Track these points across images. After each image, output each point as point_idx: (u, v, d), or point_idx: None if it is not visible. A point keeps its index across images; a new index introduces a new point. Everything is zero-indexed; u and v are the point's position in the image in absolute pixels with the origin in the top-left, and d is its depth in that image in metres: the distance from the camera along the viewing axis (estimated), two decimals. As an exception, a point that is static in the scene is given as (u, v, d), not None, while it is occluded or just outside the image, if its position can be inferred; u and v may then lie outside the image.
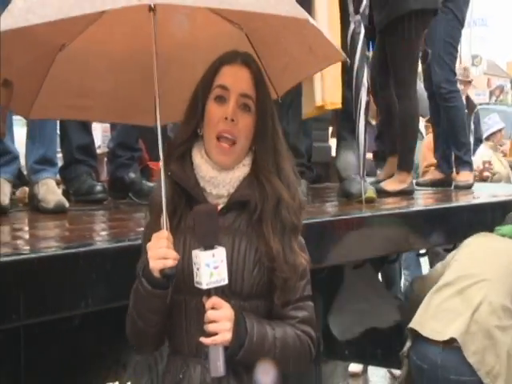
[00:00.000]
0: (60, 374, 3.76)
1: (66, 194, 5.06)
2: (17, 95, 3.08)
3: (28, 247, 3.64)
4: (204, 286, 2.57)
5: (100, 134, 7.94)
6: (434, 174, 7.94)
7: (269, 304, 2.73)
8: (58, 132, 5.32)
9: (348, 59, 4.04)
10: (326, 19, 5.44)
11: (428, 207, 6.02)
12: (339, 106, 5.55)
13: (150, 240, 2.64)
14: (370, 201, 5.70)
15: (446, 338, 4.89)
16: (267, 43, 3.12)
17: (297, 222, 2.78)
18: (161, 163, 2.66)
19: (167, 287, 2.61)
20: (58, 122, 5.14)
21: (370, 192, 5.74)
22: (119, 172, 5.55)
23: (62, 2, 2.58)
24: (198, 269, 2.60)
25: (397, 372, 8.17)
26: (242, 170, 2.76)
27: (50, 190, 4.73)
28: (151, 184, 5.41)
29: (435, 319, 5.01)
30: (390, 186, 6.45)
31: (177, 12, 2.93)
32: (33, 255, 3.13)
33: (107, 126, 6.96)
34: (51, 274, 3.10)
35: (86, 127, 5.39)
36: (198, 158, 2.75)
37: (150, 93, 3.09)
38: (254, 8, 2.62)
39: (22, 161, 5.26)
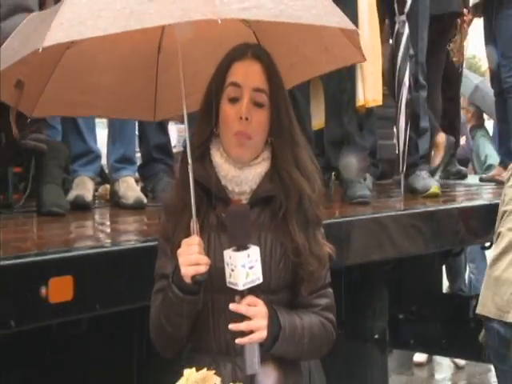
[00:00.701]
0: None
1: (144, 190, 5.10)
2: (25, 93, 3.06)
3: (109, 240, 3.72)
4: (240, 287, 2.51)
5: (176, 134, 7.99)
6: (498, 170, 7.87)
7: (292, 294, 2.70)
8: (137, 133, 5.38)
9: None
10: (367, 20, 5.39)
11: (491, 202, 5.96)
12: (380, 102, 5.51)
13: (171, 243, 2.64)
14: (434, 196, 5.69)
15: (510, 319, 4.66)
16: (276, 42, 3.00)
17: (319, 214, 2.75)
18: (189, 167, 2.58)
19: (198, 293, 2.56)
20: (137, 124, 5.19)
21: (435, 187, 5.72)
22: None
23: (116, 13, 2.55)
24: (232, 270, 2.53)
25: (461, 362, 8.17)
26: (263, 166, 2.70)
27: (130, 187, 4.81)
28: None
29: (497, 295, 4.69)
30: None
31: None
32: (114, 248, 3.22)
33: (182, 126, 7.02)
34: (130, 265, 3.19)
35: (162, 128, 5.43)
36: (218, 157, 2.69)
37: (151, 89, 3.19)
38: (308, 20, 2.60)
39: (104, 160, 5.35)
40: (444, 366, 8.76)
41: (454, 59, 7.31)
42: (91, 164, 5.01)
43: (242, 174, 2.65)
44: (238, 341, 2.52)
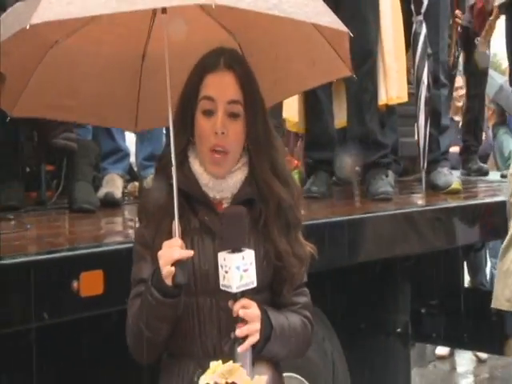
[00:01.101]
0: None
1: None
2: (6, 89, 2.96)
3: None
4: (234, 290, 2.47)
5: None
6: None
7: (272, 294, 2.68)
8: (164, 131, 5.43)
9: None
10: (390, 21, 5.41)
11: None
12: (405, 99, 5.53)
13: (150, 249, 2.59)
14: (455, 192, 5.68)
15: None
16: (261, 56, 2.96)
17: (299, 217, 2.74)
18: (172, 169, 2.53)
19: (179, 295, 2.50)
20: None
21: (456, 184, 5.72)
22: None
23: None
24: (226, 272, 2.48)
25: (483, 355, 8.15)
26: (242, 171, 2.66)
27: (158, 185, 4.82)
28: None
29: (507, 287, 4.66)
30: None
31: (179, 14, 2.76)
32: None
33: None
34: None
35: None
36: (197, 166, 2.64)
37: (133, 97, 3.09)
38: (299, 17, 2.56)
39: (133, 158, 5.39)
40: (466, 359, 8.75)
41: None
42: (120, 162, 5.06)
43: (223, 183, 2.64)
44: (241, 348, 2.46)
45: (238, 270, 2.46)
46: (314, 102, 5.17)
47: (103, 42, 2.93)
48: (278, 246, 2.61)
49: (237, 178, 2.64)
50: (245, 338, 2.47)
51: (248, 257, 2.49)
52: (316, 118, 5.22)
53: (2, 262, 3.05)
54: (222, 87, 2.60)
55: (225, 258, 2.48)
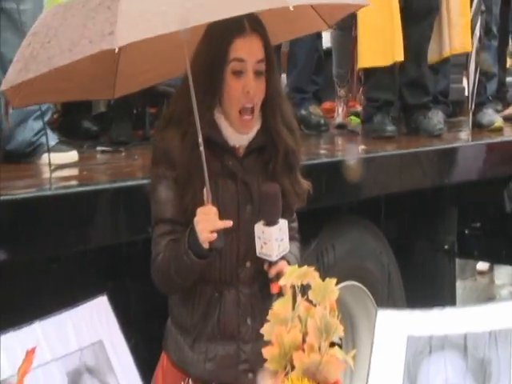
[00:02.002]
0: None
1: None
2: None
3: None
4: (274, 258, 2.43)
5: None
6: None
7: None
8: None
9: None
10: None
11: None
12: (469, 49, 5.31)
13: (171, 189, 2.51)
14: (498, 130, 5.58)
15: None
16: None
17: (299, 158, 2.70)
18: (199, 138, 2.38)
19: (213, 256, 2.44)
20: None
21: (499, 122, 5.64)
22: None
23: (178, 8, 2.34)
24: (265, 243, 2.44)
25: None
26: (258, 123, 2.59)
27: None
28: (320, 118, 5.38)
29: None
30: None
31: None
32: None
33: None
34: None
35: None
36: (222, 120, 2.55)
37: (111, 68, 2.86)
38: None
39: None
40: (503, 273, 8.69)
41: None
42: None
43: (244, 135, 2.57)
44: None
45: (277, 240, 2.43)
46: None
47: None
48: (282, 185, 2.57)
49: (254, 129, 2.59)
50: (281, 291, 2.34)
51: (283, 227, 2.47)
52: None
53: (115, 184, 3.16)
54: (251, 49, 2.50)
55: (263, 231, 2.45)
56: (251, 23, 2.51)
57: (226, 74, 2.49)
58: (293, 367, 1.70)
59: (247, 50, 2.49)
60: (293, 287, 1.73)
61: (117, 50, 2.24)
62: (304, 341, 1.70)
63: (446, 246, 4.92)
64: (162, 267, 2.50)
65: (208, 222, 2.37)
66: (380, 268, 4.24)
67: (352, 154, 4.13)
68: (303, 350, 1.70)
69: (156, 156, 2.62)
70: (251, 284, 2.57)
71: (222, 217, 2.44)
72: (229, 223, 2.39)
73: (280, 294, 2.35)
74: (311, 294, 1.74)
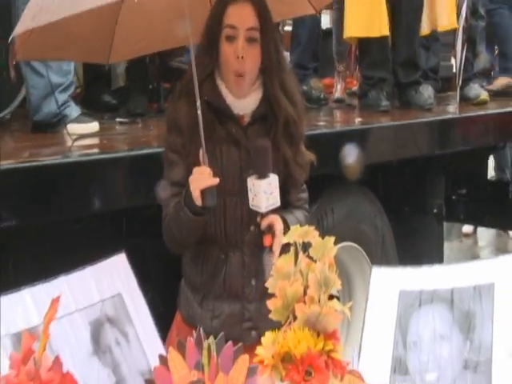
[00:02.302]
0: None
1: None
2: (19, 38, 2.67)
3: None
4: (263, 210, 2.40)
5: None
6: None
7: (282, 193, 2.53)
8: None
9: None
10: None
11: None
12: (455, 25, 5.31)
13: (182, 154, 2.49)
14: (483, 103, 5.56)
15: None
16: None
17: (301, 131, 2.64)
18: (197, 102, 2.37)
19: (207, 214, 2.42)
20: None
21: (484, 95, 5.62)
22: None
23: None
24: (255, 195, 2.42)
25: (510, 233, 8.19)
26: (258, 92, 2.54)
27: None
28: (320, 92, 5.33)
29: None
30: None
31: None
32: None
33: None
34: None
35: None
36: (223, 87, 2.52)
37: (108, 33, 2.80)
38: None
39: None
40: (486, 235, 8.78)
41: None
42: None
43: (244, 101, 2.53)
44: (273, 258, 2.37)
45: (265, 193, 2.40)
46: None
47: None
48: (284, 154, 2.54)
49: (255, 97, 2.54)
50: (271, 244, 2.42)
51: (273, 182, 2.43)
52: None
53: (132, 152, 3.16)
54: (242, 16, 2.47)
55: (254, 184, 2.42)
56: None
57: (221, 39, 2.46)
58: (295, 318, 1.70)
59: (238, 17, 2.46)
60: (295, 244, 1.72)
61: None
62: (305, 293, 1.69)
63: (435, 210, 4.95)
64: (169, 226, 2.50)
65: (200, 181, 2.35)
66: (374, 230, 4.26)
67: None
68: (304, 302, 1.69)
69: (168, 125, 2.61)
70: (255, 247, 2.55)
71: (225, 181, 2.44)
72: (216, 180, 2.35)
73: (271, 246, 2.40)
74: (312, 251, 1.73)
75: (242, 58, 2.44)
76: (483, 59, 6.20)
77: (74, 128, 3.49)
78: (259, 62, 2.50)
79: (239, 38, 2.45)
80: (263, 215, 2.42)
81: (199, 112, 2.40)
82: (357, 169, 3.86)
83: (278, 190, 2.43)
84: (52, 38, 2.69)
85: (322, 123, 4.46)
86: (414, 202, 4.73)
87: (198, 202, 2.35)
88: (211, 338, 1.47)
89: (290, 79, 2.60)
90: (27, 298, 1.99)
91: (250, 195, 2.43)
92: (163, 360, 1.46)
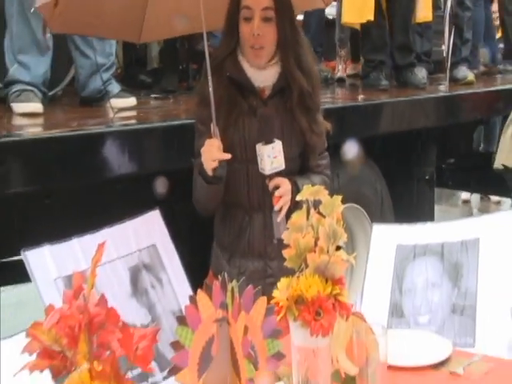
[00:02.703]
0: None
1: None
2: (55, 12, 2.60)
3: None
4: (267, 172, 2.39)
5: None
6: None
7: (302, 160, 2.56)
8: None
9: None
10: None
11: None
12: (430, 19, 5.33)
13: (206, 125, 2.44)
14: (470, 83, 5.50)
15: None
16: None
17: (317, 102, 2.59)
18: (208, 73, 2.39)
19: (219, 183, 2.40)
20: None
21: (471, 76, 5.57)
22: None
23: None
24: (261, 159, 2.40)
25: (494, 198, 8.09)
26: (276, 66, 2.49)
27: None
28: (327, 73, 5.28)
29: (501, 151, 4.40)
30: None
31: None
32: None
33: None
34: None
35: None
36: (244, 62, 2.48)
37: (139, 14, 2.76)
38: None
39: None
40: (474, 201, 8.71)
41: None
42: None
43: (263, 73, 2.49)
44: (279, 218, 2.40)
45: (269, 157, 2.39)
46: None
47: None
48: (300, 124, 2.51)
49: (274, 71, 2.50)
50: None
51: (277, 147, 2.40)
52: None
53: (164, 123, 3.17)
54: None
55: (260, 149, 2.41)
56: None
57: (239, 20, 2.43)
58: (306, 266, 1.70)
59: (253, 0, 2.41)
60: (307, 202, 1.72)
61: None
62: (316, 244, 1.69)
63: (427, 177, 4.93)
64: (194, 190, 2.50)
65: (210, 153, 2.33)
66: (374, 193, 4.24)
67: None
68: (315, 251, 1.69)
69: (198, 99, 2.59)
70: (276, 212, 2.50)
71: (247, 150, 2.45)
72: (228, 156, 2.33)
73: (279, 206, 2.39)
74: (322, 207, 1.71)
75: (258, 35, 2.41)
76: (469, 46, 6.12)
77: (115, 102, 3.49)
78: (275, 38, 2.46)
79: (255, 18, 2.41)
80: (271, 177, 2.41)
81: (210, 89, 2.38)
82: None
83: (281, 154, 2.40)
84: (83, 14, 2.68)
85: (328, 100, 4.43)
86: (408, 169, 4.70)
87: (210, 172, 2.33)
88: (234, 282, 1.45)
89: (306, 54, 2.55)
90: (76, 246, 2.01)
91: (258, 160, 2.42)
92: (193, 300, 1.45)
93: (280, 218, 2.40)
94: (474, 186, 6.40)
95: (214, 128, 2.37)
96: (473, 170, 6.07)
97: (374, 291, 2.44)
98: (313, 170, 2.61)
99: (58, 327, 1.13)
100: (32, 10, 2.94)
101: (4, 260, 3.03)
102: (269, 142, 2.39)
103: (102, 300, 1.17)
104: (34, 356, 1.16)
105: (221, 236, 2.60)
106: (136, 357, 1.15)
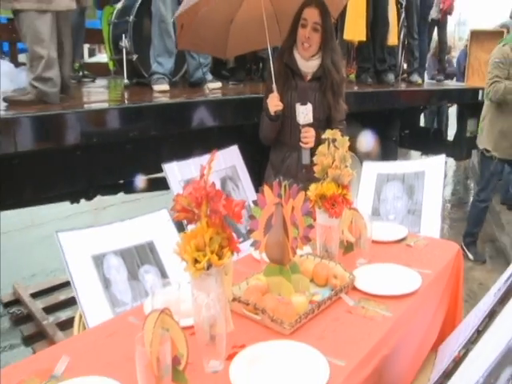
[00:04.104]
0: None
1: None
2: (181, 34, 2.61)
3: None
4: (301, 123, 2.36)
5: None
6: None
7: (328, 123, 2.46)
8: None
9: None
10: None
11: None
12: (396, 43, 4.98)
13: (270, 91, 2.39)
14: (419, 84, 5.26)
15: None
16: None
17: (341, 90, 2.48)
18: (270, 61, 2.35)
19: (277, 120, 2.38)
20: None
21: (419, 80, 5.34)
22: None
23: None
24: (297, 114, 2.36)
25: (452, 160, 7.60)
26: (318, 60, 2.41)
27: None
28: None
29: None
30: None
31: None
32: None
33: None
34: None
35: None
36: (297, 54, 2.43)
37: (225, 36, 2.69)
38: None
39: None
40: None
41: None
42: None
43: (308, 63, 2.44)
44: (304, 148, 2.38)
45: (303, 113, 2.35)
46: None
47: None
48: (328, 102, 2.45)
49: (315, 64, 2.44)
50: (306, 142, 2.38)
51: (308, 107, 2.35)
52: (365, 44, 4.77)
53: (237, 96, 3.11)
54: (311, 14, 2.37)
55: (297, 108, 2.36)
56: (316, 1, 2.37)
57: (298, 26, 2.39)
58: (327, 176, 1.72)
59: (309, 14, 2.37)
60: (328, 139, 1.72)
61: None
62: (333, 164, 1.71)
63: (394, 139, 4.79)
64: (260, 128, 2.49)
65: (273, 100, 2.34)
66: None
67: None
68: (332, 168, 1.71)
69: (267, 75, 2.57)
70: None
71: (291, 111, 2.40)
72: (280, 105, 2.34)
73: (306, 144, 2.37)
74: (337, 143, 1.72)
75: (308, 37, 2.38)
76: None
77: (209, 85, 3.46)
78: (319, 42, 2.42)
79: (308, 27, 2.38)
80: (303, 126, 2.38)
81: (272, 70, 2.37)
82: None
83: (311, 113, 2.36)
84: (194, 38, 2.65)
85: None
86: (383, 133, 4.50)
87: (272, 112, 2.35)
88: (286, 181, 1.46)
89: (337, 57, 2.49)
90: (191, 163, 2.08)
91: (296, 114, 2.39)
92: (261, 191, 1.47)
93: (305, 148, 2.40)
94: (420, 147, 6.16)
95: (275, 88, 2.37)
96: (420, 138, 5.86)
97: (363, 200, 2.46)
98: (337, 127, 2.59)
99: (190, 196, 1.17)
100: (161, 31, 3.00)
101: (152, 176, 3.08)
102: (304, 104, 2.37)
103: (213, 184, 1.19)
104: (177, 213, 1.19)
105: (273, 160, 2.58)
106: (234, 214, 1.18)
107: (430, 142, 5.91)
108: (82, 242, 1.56)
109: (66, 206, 3.16)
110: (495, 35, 5.33)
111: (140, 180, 3.03)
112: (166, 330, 1.02)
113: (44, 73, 2.27)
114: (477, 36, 5.76)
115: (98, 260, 1.56)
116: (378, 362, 1.23)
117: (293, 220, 1.45)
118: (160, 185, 2.89)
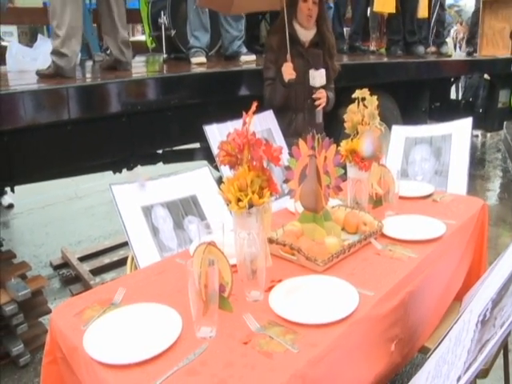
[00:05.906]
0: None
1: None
2: None
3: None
4: (317, 85, 2.47)
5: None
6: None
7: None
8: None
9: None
10: None
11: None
12: (426, 16, 4.78)
13: (273, 62, 2.52)
14: (449, 56, 5.14)
15: None
16: None
17: (335, 51, 2.64)
18: (286, 33, 2.42)
19: (290, 86, 2.47)
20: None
21: (451, 51, 5.27)
22: None
23: None
24: (313, 78, 2.48)
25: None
26: (314, 29, 2.56)
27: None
28: (365, 47, 5.03)
29: None
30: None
31: None
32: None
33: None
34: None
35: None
36: (297, 26, 2.54)
37: None
38: None
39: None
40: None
41: None
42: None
43: (307, 32, 2.55)
44: (320, 108, 2.50)
45: (318, 77, 2.46)
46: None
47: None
48: (326, 63, 2.58)
49: (312, 32, 2.57)
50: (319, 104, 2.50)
51: (322, 72, 2.48)
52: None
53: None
54: None
55: (311, 72, 2.48)
56: None
57: (299, 1, 2.51)
58: (357, 133, 1.76)
59: None
60: (358, 98, 1.76)
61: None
62: (362, 120, 1.75)
63: (423, 109, 4.70)
64: (269, 94, 2.55)
65: (287, 69, 2.44)
66: (392, 115, 4.01)
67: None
68: (362, 124, 1.75)
69: (267, 48, 2.65)
70: (311, 111, 2.58)
71: (297, 75, 2.48)
72: (294, 74, 2.44)
73: (319, 105, 2.48)
74: (366, 101, 1.72)
75: (310, 9, 2.50)
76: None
77: (243, 58, 3.49)
78: (317, 13, 2.54)
79: (309, 1, 2.50)
80: (317, 89, 2.51)
81: (287, 40, 2.43)
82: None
83: (324, 77, 2.50)
84: None
85: (368, 61, 4.28)
86: (413, 104, 4.47)
87: (286, 79, 2.46)
88: (318, 135, 1.48)
89: (329, 23, 2.66)
90: (229, 125, 2.11)
91: (310, 79, 2.50)
92: (297, 144, 1.52)
93: (319, 107, 2.51)
94: (450, 120, 5.97)
95: (289, 58, 2.46)
96: (450, 110, 5.74)
97: (392, 161, 2.48)
98: (328, 87, 2.63)
99: (233, 142, 1.26)
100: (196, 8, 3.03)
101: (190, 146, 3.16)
102: (317, 68, 2.48)
103: (253, 133, 1.25)
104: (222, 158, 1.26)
105: (279, 123, 2.60)
106: (273, 158, 1.25)
107: (461, 113, 5.77)
108: (132, 194, 1.65)
109: (104, 179, 3.29)
110: (509, 2, 5.12)
111: (178, 150, 3.08)
112: (213, 260, 1.08)
113: (61, 48, 2.33)
114: (490, 4, 5.45)
115: (147, 210, 1.65)
116: (404, 295, 1.31)
117: (325, 169, 1.50)
118: (198, 154, 2.97)
